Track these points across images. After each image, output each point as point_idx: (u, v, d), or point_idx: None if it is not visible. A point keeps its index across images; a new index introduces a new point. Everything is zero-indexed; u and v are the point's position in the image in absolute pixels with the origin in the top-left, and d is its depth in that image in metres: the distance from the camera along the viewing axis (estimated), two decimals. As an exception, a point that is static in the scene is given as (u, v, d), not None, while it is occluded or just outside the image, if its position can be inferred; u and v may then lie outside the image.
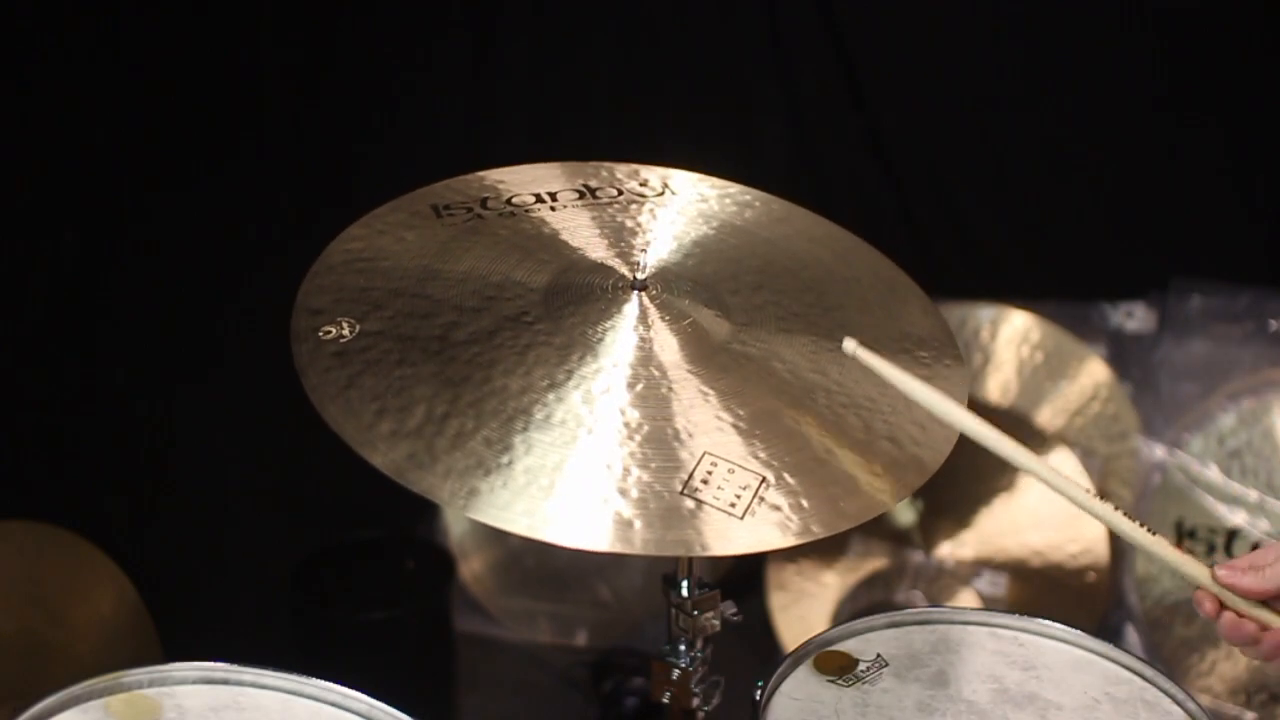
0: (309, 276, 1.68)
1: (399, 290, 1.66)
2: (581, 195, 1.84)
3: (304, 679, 1.64)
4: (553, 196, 1.83)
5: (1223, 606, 1.52)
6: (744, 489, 1.54)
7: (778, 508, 1.53)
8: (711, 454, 1.56)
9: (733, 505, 1.52)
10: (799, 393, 1.64)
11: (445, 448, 1.52)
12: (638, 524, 1.50)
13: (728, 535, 1.51)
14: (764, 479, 1.55)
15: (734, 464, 1.55)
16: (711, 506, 1.52)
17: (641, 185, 1.88)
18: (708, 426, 1.58)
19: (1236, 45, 3.14)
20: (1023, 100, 3.22)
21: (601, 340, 1.63)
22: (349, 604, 2.84)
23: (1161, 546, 1.53)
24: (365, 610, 2.83)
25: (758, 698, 1.66)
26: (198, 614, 2.73)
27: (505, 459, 1.52)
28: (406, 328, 1.62)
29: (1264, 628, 1.50)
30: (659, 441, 1.55)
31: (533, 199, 1.82)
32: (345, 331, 1.61)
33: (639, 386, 1.60)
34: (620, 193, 1.86)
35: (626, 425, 1.56)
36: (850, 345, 1.60)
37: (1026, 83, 3.21)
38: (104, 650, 2.36)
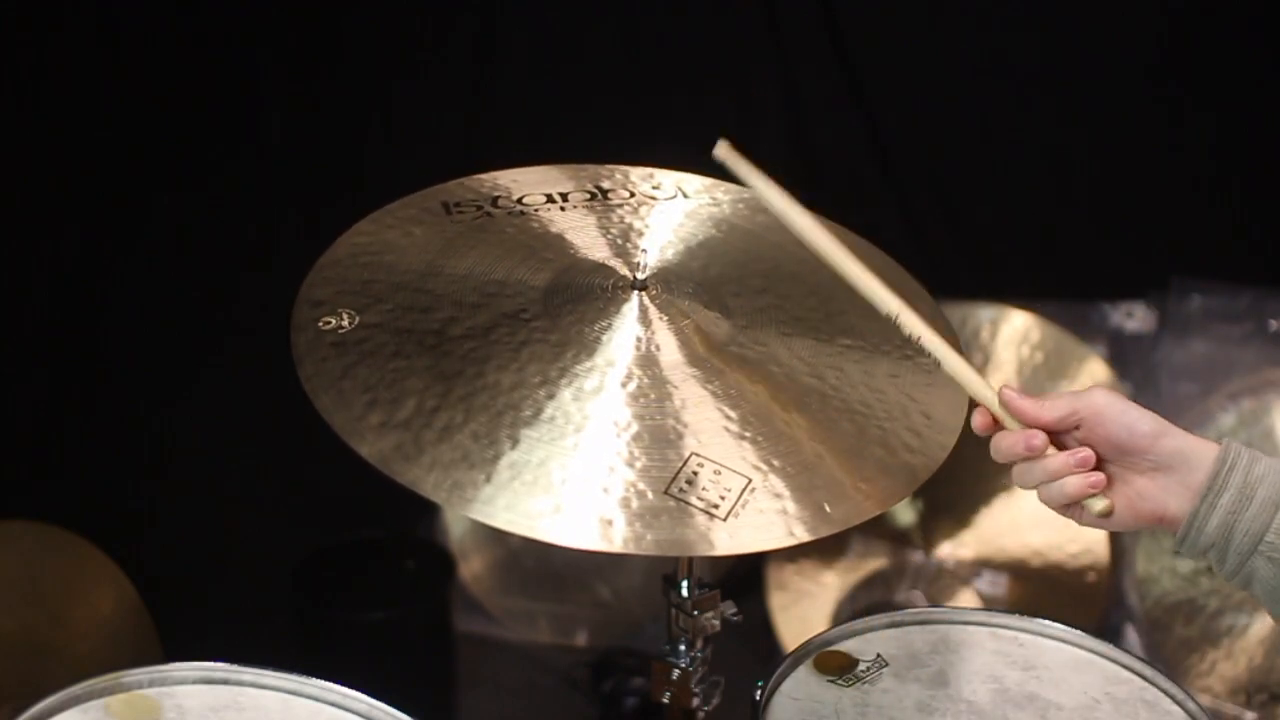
0: (315, 268, 1.67)
1: (401, 284, 1.66)
2: (593, 196, 1.83)
3: (304, 679, 1.64)
4: (564, 197, 1.82)
5: (998, 424, 1.50)
6: (729, 491, 1.52)
7: (762, 511, 1.52)
8: (699, 455, 1.54)
9: (716, 507, 1.51)
10: (793, 396, 1.64)
11: (432, 440, 1.52)
12: (618, 522, 1.49)
13: (709, 537, 1.49)
14: (749, 481, 1.54)
15: (721, 465, 1.54)
16: (694, 508, 1.51)
17: (655, 188, 1.87)
18: (697, 428, 1.57)
19: (1237, 44, 3.14)
20: (1022, 100, 3.21)
21: (598, 339, 1.62)
22: (349, 604, 2.84)
23: (960, 365, 1.52)
24: (365, 610, 2.83)
25: (758, 698, 1.66)
26: (198, 614, 2.72)
27: (490, 453, 1.51)
28: (405, 321, 1.62)
29: (1042, 446, 1.47)
30: (647, 441, 1.54)
31: (543, 199, 1.81)
32: (345, 322, 1.61)
33: (630, 386, 1.59)
34: (632, 194, 1.85)
35: (615, 424, 1.56)
36: (722, 150, 1.56)
37: (1026, 82, 3.21)
38: (104, 650, 2.36)
